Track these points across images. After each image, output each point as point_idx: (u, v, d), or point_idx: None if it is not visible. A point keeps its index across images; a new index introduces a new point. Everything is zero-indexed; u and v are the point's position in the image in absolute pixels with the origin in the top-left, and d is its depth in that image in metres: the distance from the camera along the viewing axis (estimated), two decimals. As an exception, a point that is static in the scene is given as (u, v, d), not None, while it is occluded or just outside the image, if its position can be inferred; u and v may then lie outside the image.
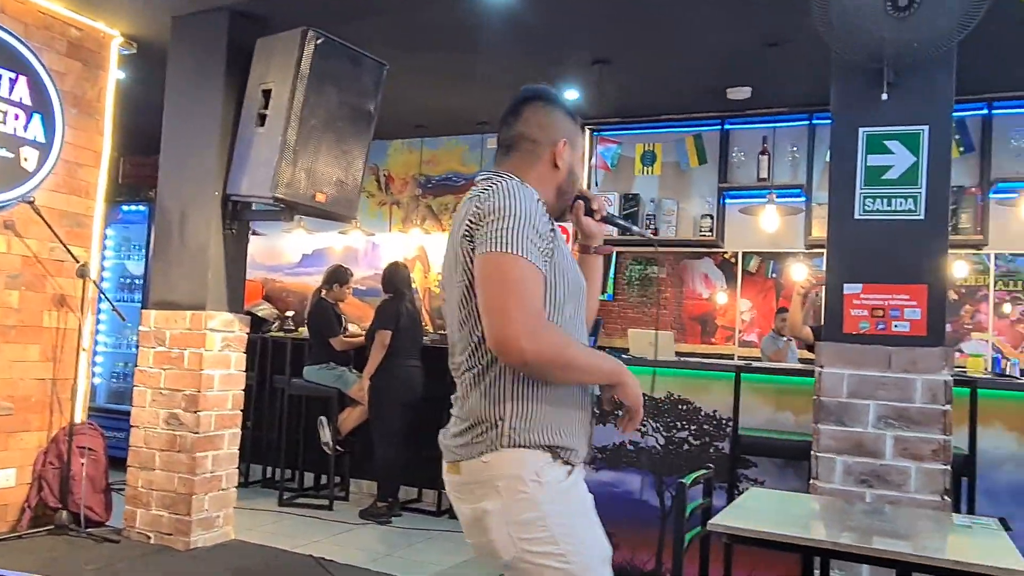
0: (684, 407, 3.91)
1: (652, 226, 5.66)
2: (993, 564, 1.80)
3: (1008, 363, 4.53)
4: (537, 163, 1.72)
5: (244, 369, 4.31)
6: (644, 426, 3.96)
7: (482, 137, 6.33)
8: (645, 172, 5.77)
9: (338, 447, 5.33)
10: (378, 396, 5.11)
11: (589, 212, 1.83)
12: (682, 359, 4.27)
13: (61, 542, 3.97)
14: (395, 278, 5.29)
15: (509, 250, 1.50)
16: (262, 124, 4.00)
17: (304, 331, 5.76)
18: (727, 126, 5.56)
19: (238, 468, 4.33)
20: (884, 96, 2.94)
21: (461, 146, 6.45)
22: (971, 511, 3.25)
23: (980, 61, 3.66)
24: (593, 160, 5.93)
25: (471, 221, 1.56)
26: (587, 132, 5.94)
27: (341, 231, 6.64)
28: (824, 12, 2.80)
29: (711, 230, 5.53)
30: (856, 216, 3.05)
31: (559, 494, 1.57)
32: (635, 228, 2.10)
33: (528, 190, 1.59)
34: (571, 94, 5.31)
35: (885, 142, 3.01)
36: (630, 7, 3.97)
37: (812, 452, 3.04)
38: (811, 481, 3.04)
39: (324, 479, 5.64)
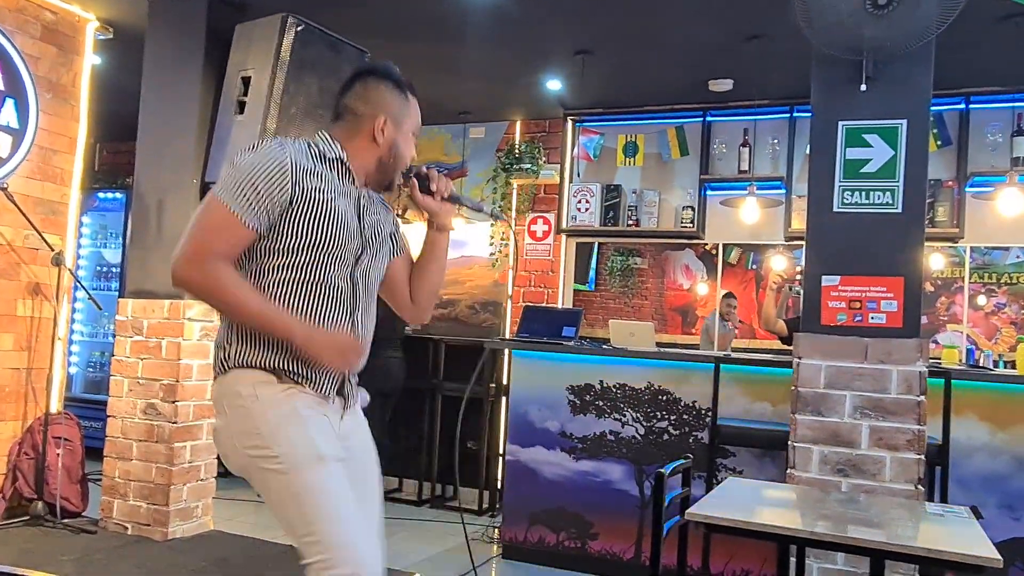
0: (664, 397, 3.94)
1: (634, 217, 5.66)
2: (964, 551, 1.83)
3: (982, 354, 4.60)
4: (357, 135, 1.83)
5: (223, 359, 4.28)
6: (624, 415, 3.99)
7: (464, 127, 6.31)
8: (627, 163, 5.78)
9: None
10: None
11: (427, 191, 1.91)
12: (662, 350, 4.29)
13: (37, 533, 3.94)
14: None
15: (217, 193, 1.69)
16: (241, 111, 3.96)
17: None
18: (709, 118, 5.58)
19: (217, 458, 4.31)
20: (863, 87, 2.97)
21: (443, 136, 6.43)
22: (944, 500, 3.31)
23: (958, 56, 3.69)
24: (575, 151, 5.93)
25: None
26: (569, 123, 5.93)
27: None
28: (804, 8, 2.82)
29: (692, 221, 5.55)
30: (835, 209, 3.08)
31: (271, 403, 1.71)
32: (484, 209, 2.10)
33: (272, 150, 1.70)
34: (554, 84, 5.30)
35: (864, 135, 3.04)
36: (612, -2, 3.97)
37: (789, 442, 3.08)
38: (788, 471, 3.07)
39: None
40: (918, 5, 2.67)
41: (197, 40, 4.13)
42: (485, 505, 5.17)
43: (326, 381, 1.79)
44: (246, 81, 3.96)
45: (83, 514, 4.25)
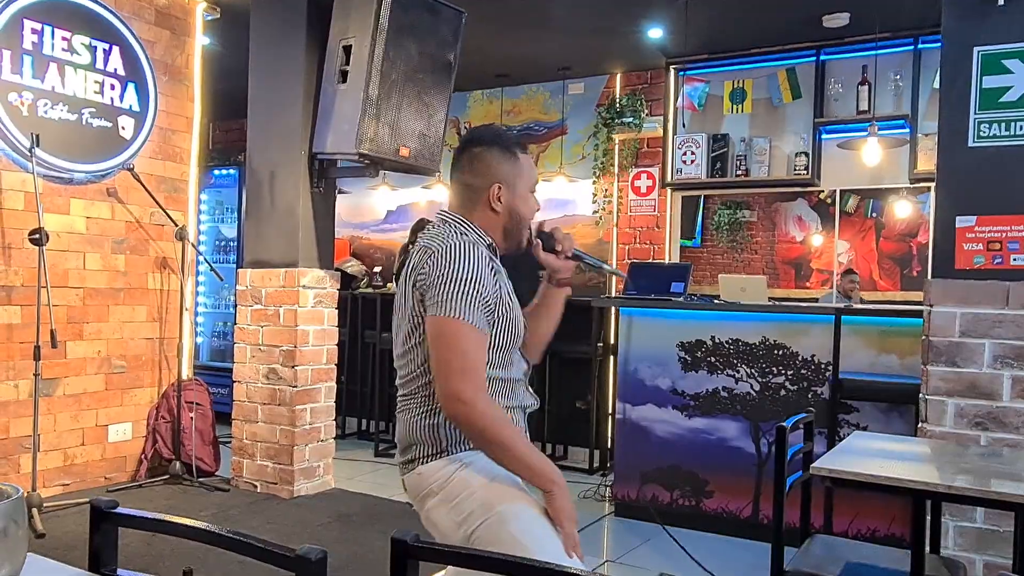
0: (780, 352, 3.78)
1: (744, 166, 5.43)
2: None
3: None
4: (477, 207, 1.82)
5: (336, 324, 4.42)
6: (738, 371, 3.87)
7: (563, 83, 6.20)
8: (735, 111, 5.53)
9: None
10: None
11: (551, 250, 1.89)
12: (776, 303, 4.12)
13: (176, 491, 4.21)
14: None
15: (456, 316, 1.64)
16: (344, 81, 4.02)
17: (393, 287, 5.86)
18: (823, 57, 5.25)
19: (335, 420, 4.47)
20: (1001, 2, 2.70)
21: (542, 94, 6.34)
22: (1099, 456, 3.04)
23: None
24: (679, 101, 5.72)
25: (420, 276, 1.70)
26: (672, 72, 5.72)
27: (424, 186, 6.68)
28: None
29: (806, 168, 5.28)
30: (970, 144, 2.83)
31: (479, 470, 1.69)
32: (606, 267, 2.14)
33: (470, 248, 1.69)
34: (655, 33, 5.11)
35: (1003, 61, 2.76)
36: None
37: (921, 395, 2.89)
38: (919, 425, 2.89)
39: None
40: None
41: (299, 13, 4.21)
42: (596, 464, 5.16)
43: None
44: (347, 50, 4.01)
45: (216, 473, 4.52)
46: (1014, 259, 2.75)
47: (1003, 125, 2.78)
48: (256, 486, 4.29)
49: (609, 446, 5.09)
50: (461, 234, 1.75)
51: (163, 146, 4.54)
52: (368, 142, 3.90)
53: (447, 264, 1.67)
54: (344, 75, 4.02)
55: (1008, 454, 2.36)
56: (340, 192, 6.98)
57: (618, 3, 4.69)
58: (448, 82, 4.21)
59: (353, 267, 6.70)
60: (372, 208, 7.26)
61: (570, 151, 6.21)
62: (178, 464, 4.33)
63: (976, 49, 2.81)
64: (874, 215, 6.35)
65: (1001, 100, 2.78)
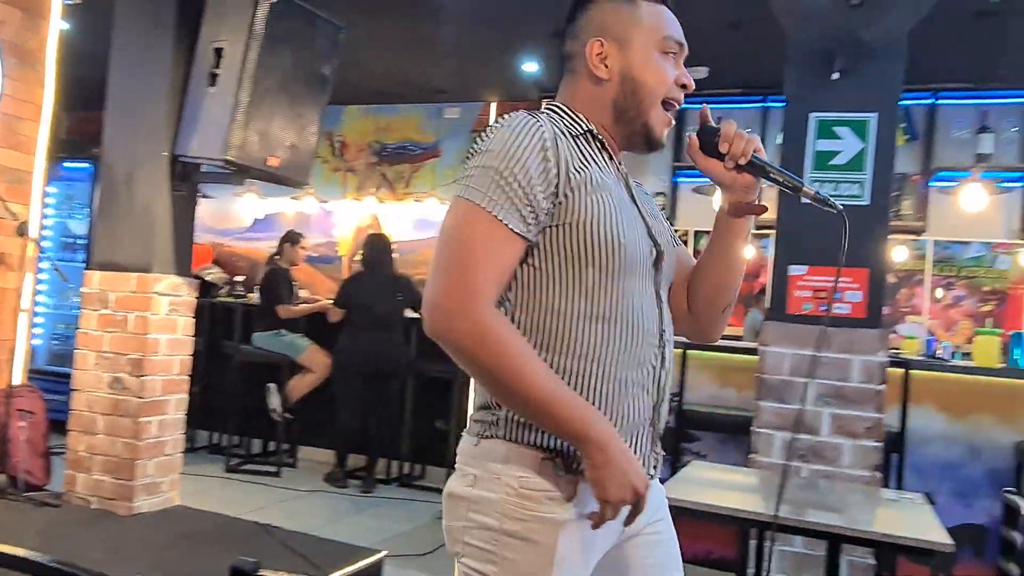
0: (632, 381, 3.98)
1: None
2: (918, 536, 1.90)
3: (940, 345, 4.71)
4: (578, 82, 1.31)
5: (192, 334, 4.25)
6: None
7: (439, 107, 6.27)
8: (602, 148, 5.80)
9: (287, 414, 5.32)
10: (336, 367, 5.26)
11: (714, 151, 1.30)
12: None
13: (-2, 506, 3.89)
14: (367, 252, 5.38)
15: (473, 197, 1.16)
16: (213, 84, 3.90)
17: (255, 297, 5.70)
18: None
19: (184, 434, 4.28)
20: (835, 75, 3.01)
21: (418, 115, 6.38)
22: (900, 486, 3.41)
23: (929, 52, 3.74)
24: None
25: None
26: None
27: (294, 196, 6.54)
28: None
29: (664, 208, 5.60)
30: (804, 200, 3.12)
31: (536, 517, 1.18)
32: (804, 186, 1.30)
33: (526, 123, 1.19)
34: (530, 67, 5.29)
35: (834, 128, 3.08)
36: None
37: (752, 428, 3.14)
38: (750, 455, 3.14)
39: (272, 446, 5.61)
40: (891, 2, 2.70)
41: (169, 8, 4.05)
42: (452, 484, 5.20)
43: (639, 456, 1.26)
44: (219, 52, 3.89)
45: (46, 488, 4.20)
46: (836, 307, 3.05)
47: (832, 185, 3.09)
48: (91, 502, 4.03)
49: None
50: (535, 113, 1.25)
51: (7, 134, 4.22)
52: (235, 148, 3.80)
53: (484, 140, 1.21)
54: (214, 78, 3.91)
55: (824, 485, 2.61)
56: (204, 196, 6.74)
57: (495, 35, 4.83)
58: (323, 95, 4.18)
59: (214, 275, 6.45)
60: (238, 215, 7.02)
61: (443, 173, 6.28)
62: (3, 477, 4.00)
63: (812, 115, 3.11)
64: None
65: (831, 163, 3.09)
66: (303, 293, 5.90)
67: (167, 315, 4.07)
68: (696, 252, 5.39)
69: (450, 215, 1.20)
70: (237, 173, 3.99)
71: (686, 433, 3.83)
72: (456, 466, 1.29)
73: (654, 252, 1.29)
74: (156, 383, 4.02)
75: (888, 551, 2.02)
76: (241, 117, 3.79)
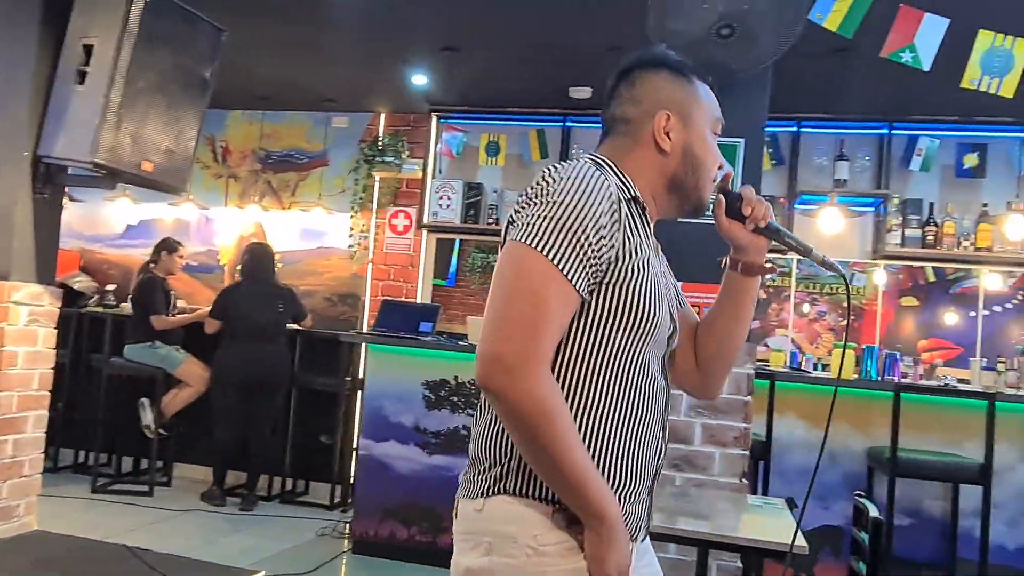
0: (516, 393, 4.04)
1: (495, 215, 5.75)
2: (775, 540, 2.02)
3: (804, 358, 5.02)
4: (635, 147, 1.33)
5: (55, 346, 3.99)
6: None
7: (327, 115, 6.17)
8: (489, 163, 5.85)
9: (161, 430, 5.08)
10: (214, 379, 5.10)
11: (737, 214, 1.37)
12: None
13: None
14: (247, 261, 5.24)
15: (539, 247, 1.13)
16: (82, 82, 3.70)
17: (127, 307, 5.41)
18: (569, 123, 5.76)
19: (45, 453, 4.01)
20: (708, 108, 3.17)
21: (305, 123, 6.26)
22: (766, 491, 3.61)
23: (792, 83, 4.02)
24: (439, 147, 5.95)
25: (516, 207, 1.23)
26: (434, 118, 5.94)
27: (171, 202, 6.26)
28: (659, 27, 2.98)
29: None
30: (678, 219, 3.27)
31: (558, 572, 1.18)
32: (813, 251, 1.38)
33: (598, 176, 1.19)
34: (419, 79, 5.29)
35: (708, 152, 3.25)
36: (480, -1, 4.02)
37: (631, 438, 3.25)
38: (628, 465, 3.25)
39: (145, 464, 5.34)
40: (757, 34, 2.89)
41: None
42: (337, 500, 5.11)
43: (637, 518, 1.29)
44: (88, 49, 3.70)
45: None
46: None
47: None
48: (-67, 530, 3.71)
49: (352, 482, 5.07)
50: (596, 165, 1.25)
51: None
52: (106, 151, 3.61)
53: (554, 179, 1.18)
54: (82, 76, 3.70)
55: (695, 493, 2.73)
56: (72, 200, 6.35)
57: (384, 46, 4.81)
58: (202, 98, 4.04)
59: (81, 283, 6.08)
60: (109, 221, 6.65)
61: (331, 183, 6.18)
62: None
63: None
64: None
65: (705, 185, 3.26)
66: (180, 303, 5.66)
67: (25, 326, 3.82)
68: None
69: (519, 263, 1.15)
70: (107, 177, 3.79)
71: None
72: (461, 535, 1.26)
73: (671, 327, 1.32)
74: (12, 399, 3.76)
75: (752, 555, 2.14)
76: (112, 118, 3.61)
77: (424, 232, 5.97)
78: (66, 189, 4.15)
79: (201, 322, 5.15)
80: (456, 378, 4.09)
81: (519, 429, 1.14)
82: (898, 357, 4.32)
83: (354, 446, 5.06)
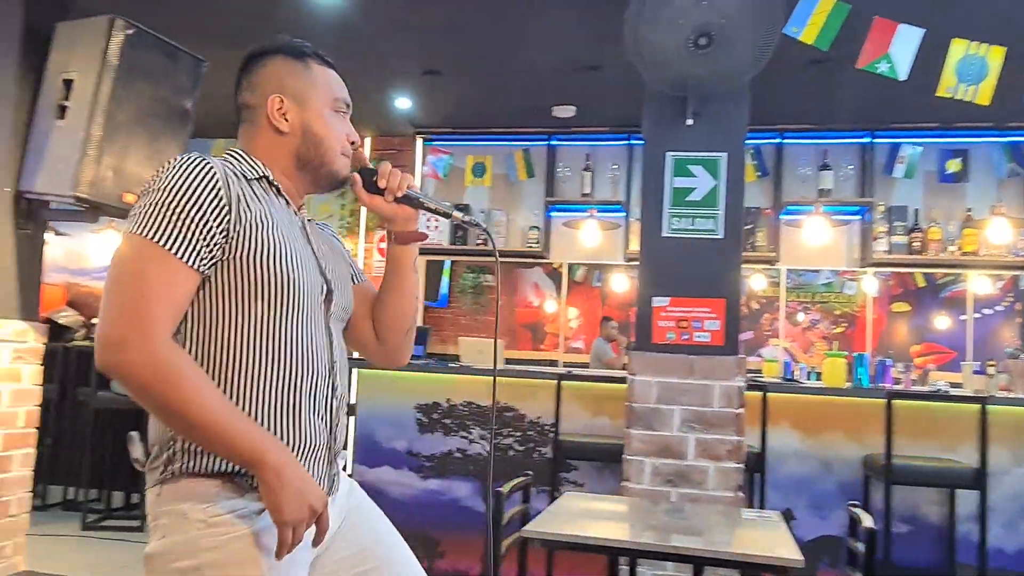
0: (510, 414, 4.01)
1: (482, 237, 5.75)
2: (772, 555, 1.99)
3: (798, 367, 5.02)
4: (258, 132, 1.42)
5: (40, 383, 3.95)
6: (471, 432, 4.03)
7: (312, 140, 6.19)
8: (476, 183, 5.87)
9: (150, 464, 5.01)
10: None
11: (375, 188, 1.45)
12: (507, 366, 4.38)
13: None
14: None
15: (146, 233, 1.20)
16: (62, 116, 3.68)
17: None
18: (553, 142, 5.78)
19: (32, 491, 3.95)
20: (689, 122, 3.18)
21: (290, 149, 6.27)
22: (762, 503, 3.58)
23: (773, 95, 4.04)
24: (425, 169, 5.95)
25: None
26: (419, 141, 5.95)
27: (157, 233, 6.23)
28: (636, 45, 2.99)
29: (538, 241, 5.72)
30: (663, 234, 3.28)
31: (231, 539, 1.21)
32: (453, 211, 1.49)
33: (200, 164, 1.26)
34: (403, 103, 5.31)
35: (689, 166, 3.26)
36: (458, 23, 4.04)
37: (624, 455, 3.22)
38: (622, 483, 3.22)
39: (136, 498, 5.27)
40: (733, 47, 2.90)
41: (12, 36, 3.81)
42: (330, 528, 5.04)
43: (319, 476, 1.34)
44: (68, 84, 3.69)
45: None
46: (697, 336, 3.20)
47: (689, 220, 3.26)
48: (-81, 574, 3.64)
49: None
50: (203, 156, 1.30)
51: None
52: (87, 185, 3.59)
53: (158, 178, 1.25)
54: (63, 110, 3.69)
55: (689, 509, 2.70)
56: (56, 234, 6.32)
57: (367, 71, 4.83)
58: (184, 129, 4.03)
59: (68, 317, 6.03)
60: (95, 254, 6.62)
61: (317, 208, 6.18)
62: None
63: (669, 154, 3.28)
64: (599, 284, 6.98)
65: (687, 199, 3.26)
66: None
67: (11, 364, 3.77)
68: (572, 280, 5.47)
69: (121, 250, 1.23)
70: (90, 211, 3.77)
71: (563, 463, 3.88)
72: (149, 526, 1.29)
73: (324, 289, 1.38)
74: (-3, 438, 3.71)
75: (749, 570, 2.12)
76: (93, 152, 3.59)
77: (413, 255, 5.96)
78: (49, 224, 4.13)
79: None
80: (448, 400, 4.06)
81: (145, 398, 1.18)
82: (889, 364, 4.32)
83: (348, 473, 5.00)
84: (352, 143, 1.46)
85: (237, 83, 1.47)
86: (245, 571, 1.21)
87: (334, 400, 1.37)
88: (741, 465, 3.14)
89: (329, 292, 1.39)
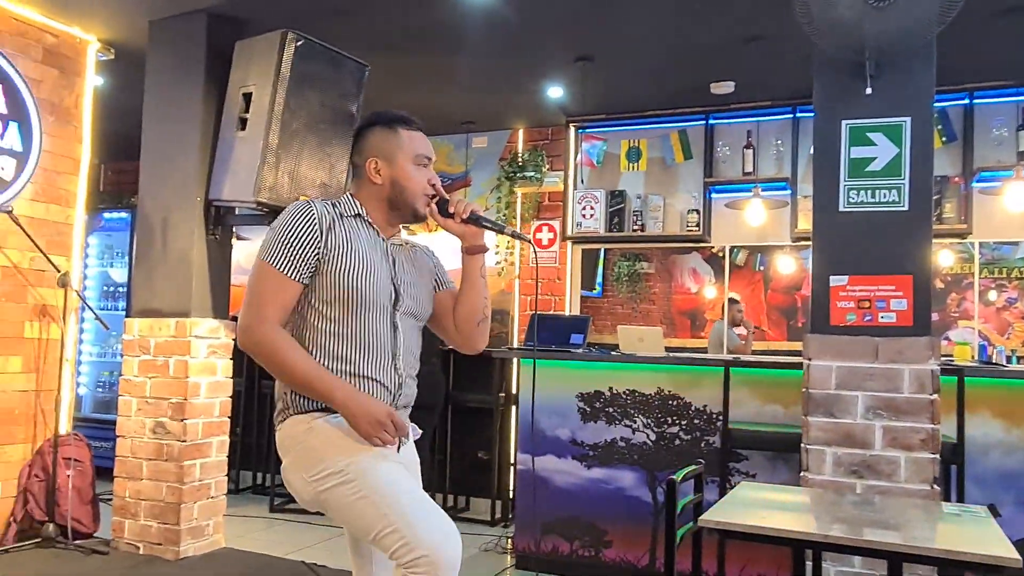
0: (674, 402, 3.91)
1: (639, 222, 5.64)
2: (983, 552, 1.80)
3: (994, 350, 4.55)
4: (363, 183, 1.99)
5: (231, 375, 4.28)
6: (635, 421, 3.96)
7: (467, 136, 6.31)
8: (631, 168, 5.76)
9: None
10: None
11: (447, 213, 1.98)
12: (671, 355, 4.26)
13: (49, 555, 3.93)
14: None
15: (264, 256, 1.86)
16: (243, 128, 3.97)
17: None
18: (711, 121, 5.56)
19: (227, 475, 4.30)
20: (868, 90, 2.94)
21: (446, 146, 6.42)
22: (961, 498, 3.26)
23: (960, 51, 3.66)
24: (578, 158, 5.91)
25: None
26: (572, 129, 5.92)
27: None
28: (805, 6, 2.80)
29: (698, 225, 5.53)
30: (840, 208, 3.05)
31: (325, 430, 1.85)
32: (506, 230, 2.09)
33: (303, 206, 1.89)
34: (555, 92, 5.29)
35: (868, 134, 3.01)
36: (609, 4, 3.96)
37: (802, 444, 3.04)
38: (802, 473, 3.04)
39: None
40: (918, 1, 2.64)
41: (197, 58, 4.15)
42: (498, 515, 5.14)
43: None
44: (247, 97, 3.97)
45: (95, 535, 4.24)
46: (882, 316, 2.96)
47: (869, 192, 3.01)
48: (139, 547, 4.05)
49: (511, 497, 5.09)
50: (310, 201, 1.93)
51: (47, 188, 4.34)
52: (267, 191, 3.85)
53: (278, 220, 1.90)
54: (243, 122, 3.98)
55: (879, 501, 2.51)
56: (240, 239, 6.84)
57: (519, 63, 4.85)
58: (350, 133, 4.22)
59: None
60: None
61: (474, 202, 6.30)
62: (52, 526, 4.04)
63: (844, 122, 3.05)
64: (761, 268, 6.67)
65: (867, 169, 3.02)
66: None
67: (206, 358, 4.11)
68: (733, 264, 5.28)
69: (254, 268, 1.88)
70: (270, 214, 4.03)
71: (732, 453, 3.73)
72: (280, 452, 1.94)
73: (393, 295, 1.95)
74: (197, 426, 4.06)
75: (952, 569, 1.92)
76: (271, 159, 3.84)
77: (569, 244, 5.95)
78: (234, 228, 4.46)
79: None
80: (611, 389, 4.02)
81: (265, 363, 1.84)
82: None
83: (512, 461, 5.08)
84: (432, 185, 1.99)
85: (351, 148, 2.06)
86: (340, 437, 1.83)
87: (395, 375, 1.95)
88: (936, 456, 2.88)
89: (397, 297, 1.95)
